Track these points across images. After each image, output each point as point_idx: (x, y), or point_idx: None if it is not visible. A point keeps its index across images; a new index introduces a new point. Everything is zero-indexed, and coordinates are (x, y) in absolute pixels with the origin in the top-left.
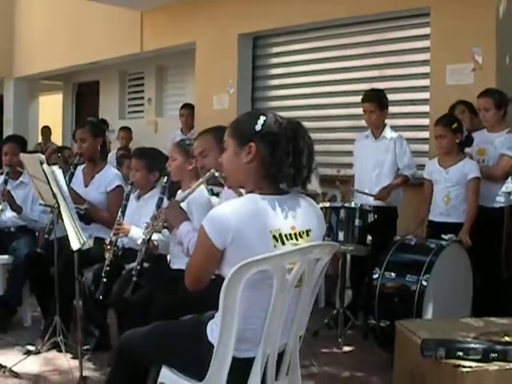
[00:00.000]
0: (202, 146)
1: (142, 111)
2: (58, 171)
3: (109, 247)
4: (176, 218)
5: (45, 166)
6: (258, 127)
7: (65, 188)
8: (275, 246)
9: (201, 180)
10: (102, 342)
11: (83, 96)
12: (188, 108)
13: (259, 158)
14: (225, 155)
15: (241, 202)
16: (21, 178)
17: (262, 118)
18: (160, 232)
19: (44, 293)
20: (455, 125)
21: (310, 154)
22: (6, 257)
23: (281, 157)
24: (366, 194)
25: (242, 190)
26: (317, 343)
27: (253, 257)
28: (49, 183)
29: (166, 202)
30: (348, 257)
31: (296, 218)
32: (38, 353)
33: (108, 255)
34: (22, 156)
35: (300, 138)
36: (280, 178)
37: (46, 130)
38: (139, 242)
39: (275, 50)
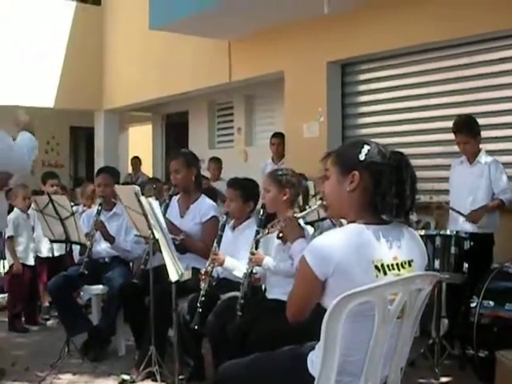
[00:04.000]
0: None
1: (231, 141)
2: (154, 203)
3: (204, 277)
4: (292, 233)
5: (142, 198)
6: (362, 156)
7: (162, 220)
8: (377, 276)
9: (314, 206)
10: (196, 372)
11: (172, 126)
12: (279, 137)
13: (362, 187)
14: (327, 184)
15: (344, 232)
16: (114, 209)
17: (366, 148)
18: (260, 265)
19: (138, 322)
20: None
21: (413, 184)
22: (100, 287)
23: (384, 187)
24: (459, 212)
25: (343, 220)
26: (413, 373)
27: (353, 287)
28: (145, 215)
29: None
30: (443, 285)
31: (399, 249)
32: (132, 382)
33: (203, 285)
34: (117, 187)
35: (403, 168)
36: (383, 208)
37: (136, 161)
38: (234, 272)
39: (364, 76)
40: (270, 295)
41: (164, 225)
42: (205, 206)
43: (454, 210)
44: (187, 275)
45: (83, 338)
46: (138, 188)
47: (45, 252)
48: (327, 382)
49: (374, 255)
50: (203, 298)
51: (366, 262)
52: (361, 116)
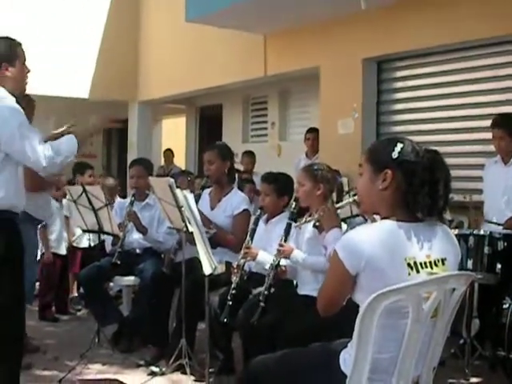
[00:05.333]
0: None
1: (265, 135)
2: (189, 196)
3: (236, 271)
4: (329, 222)
5: (178, 190)
6: (395, 154)
7: (197, 212)
8: (409, 274)
9: (348, 201)
10: (226, 365)
11: (206, 119)
12: (314, 132)
13: (395, 185)
14: (360, 180)
15: (376, 228)
16: (147, 200)
17: (400, 146)
18: (288, 258)
19: (167, 315)
20: None
21: (447, 183)
22: (132, 278)
23: (417, 186)
24: (495, 223)
25: (376, 216)
26: (444, 373)
27: (386, 284)
28: (179, 207)
29: (293, 228)
30: (476, 285)
31: (432, 246)
32: (162, 374)
33: (234, 279)
34: (151, 179)
35: (437, 167)
36: (416, 207)
37: (169, 153)
38: (267, 266)
39: (400, 73)
40: (301, 291)
41: (199, 218)
42: (237, 199)
43: (490, 222)
44: (221, 269)
45: (113, 329)
46: (172, 180)
47: (85, 242)
48: (359, 380)
49: (407, 253)
50: (234, 292)
51: (398, 259)
52: (396, 113)
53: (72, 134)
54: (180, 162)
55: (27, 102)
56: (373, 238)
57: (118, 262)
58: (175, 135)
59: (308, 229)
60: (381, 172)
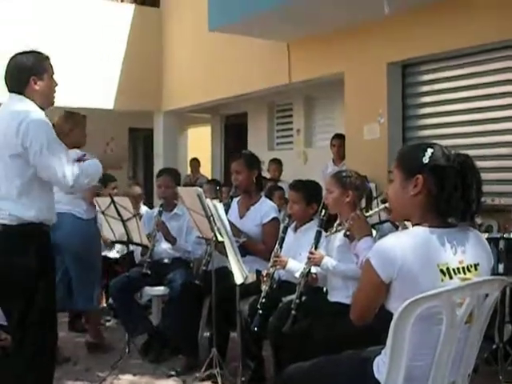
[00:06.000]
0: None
1: (290, 142)
2: (219, 205)
3: (265, 279)
4: (360, 230)
5: (208, 200)
6: (426, 159)
7: (227, 222)
8: (443, 280)
9: (379, 208)
10: (257, 374)
11: (231, 128)
12: (339, 138)
13: (426, 190)
14: (391, 187)
15: (408, 235)
16: (175, 210)
17: (430, 150)
18: (319, 265)
19: (197, 324)
20: None
21: (479, 187)
22: (161, 288)
23: (449, 190)
24: None
25: (407, 223)
26: (477, 380)
27: (419, 290)
28: (207, 216)
29: (323, 236)
30: (508, 290)
31: (465, 252)
32: None
33: (264, 287)
34: (180, 189)
35: (468, 171)
36: (448, 212)
37: (195, 162)
38: (296, 274)
39: (426, 77)
40: (331, 298)
41: (229, 227)
42: (265, 208)
43: None
44: (251, 278)
45: (143, 339)
46: (200, 190)
47: (113, 253)
48: None
49: (440, 259)
50: (264, 300)
51: (431, 265)
52: (422, 117)
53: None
54: (206, 170)
55: (79, 119)
56: (405, 245)
57: (148, 273)
58: (201, 144)
59: (338, 237)
60: (412, 178)
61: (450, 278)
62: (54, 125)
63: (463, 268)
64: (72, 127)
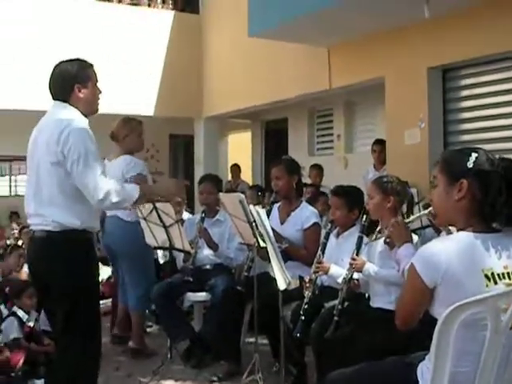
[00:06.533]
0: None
1: (331, 148)
2: (262, 212)
3: (308, 285)
4: (400, 237)
5: (250, 206)
6: (470, 164)
7: (269, 228)
8: (487, 285)
9: (422, 213)
10: (299, 380)
11: (272, 133)
12: (380, 143)
13: (470, 195)
14: (435, 192)
15: (453, 240)
16: (217, 217)
17: (474, 155)
18: (361, 271)
19: (238, 330)
20: None
21: None
22: (203, 294)
23: (494, 195)
24: None
25: (452, 228)
26: None
27: (463, 296)
28: (250, 222)
29: (365, 241)
30: None
31: (510, 257)
32: None
33: (307, 293)
34: (222, 195)
35: None
36: (493, 217)
37: (236, 168)
38: (338, 280)
39: (467, 81)
40: (374, 304)
41: (271, 233)
42: (306, 213)
43: None
44: (294, 284)
45: (185, 345)
46: (242, 196)
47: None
48: None
49: (484, 264)
50: (306, 306)
51: (475, 270)
52: (463, 122)
53: (139, 186)
54: (247, 176)
55: (134, 125)
56: (449, 251)
57: (191, 279)
58: (241, 150)
59: (380, 242)
60: (456, 183)
61: (495, 283)
62: (112, 131)
63: (508, 273)
64: (128, 133)
